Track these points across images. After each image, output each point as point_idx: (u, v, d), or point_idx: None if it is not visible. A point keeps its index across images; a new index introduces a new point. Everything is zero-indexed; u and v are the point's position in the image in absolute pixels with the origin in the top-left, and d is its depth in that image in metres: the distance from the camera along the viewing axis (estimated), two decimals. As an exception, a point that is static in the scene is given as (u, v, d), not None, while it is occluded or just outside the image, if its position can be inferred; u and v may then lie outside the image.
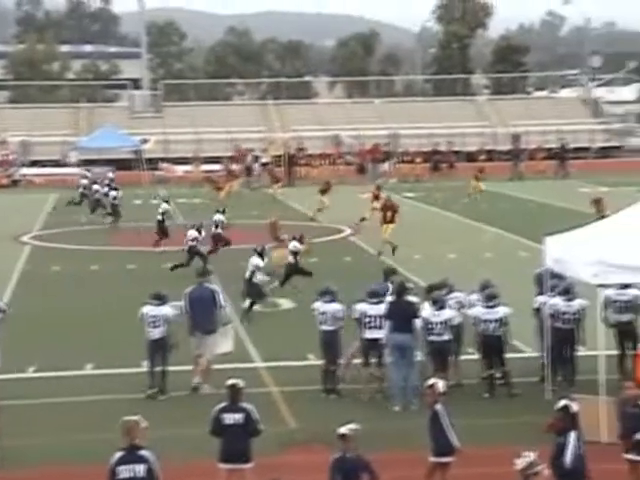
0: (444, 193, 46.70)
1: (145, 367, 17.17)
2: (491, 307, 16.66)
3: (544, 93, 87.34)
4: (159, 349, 16.98)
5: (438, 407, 12.10)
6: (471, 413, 15.19)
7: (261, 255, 22.89)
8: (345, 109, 69.78)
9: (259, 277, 22.47)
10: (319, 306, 17.18)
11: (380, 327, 16.60)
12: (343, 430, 10.75)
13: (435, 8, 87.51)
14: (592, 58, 78.81)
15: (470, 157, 61.58)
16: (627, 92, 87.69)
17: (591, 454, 11.26)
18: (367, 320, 16.70)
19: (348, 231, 35.12)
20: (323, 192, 38.26)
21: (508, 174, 53.86)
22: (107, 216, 38.06)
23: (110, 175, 45.17)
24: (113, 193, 38.54)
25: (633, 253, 14.57)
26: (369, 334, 16.70)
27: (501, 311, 16.67)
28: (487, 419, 15.36)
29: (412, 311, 16.36)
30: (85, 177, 44.67)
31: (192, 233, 27.88)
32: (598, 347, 14.81)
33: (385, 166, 56.31)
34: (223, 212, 30.19)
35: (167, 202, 32.93)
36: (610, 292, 16.57)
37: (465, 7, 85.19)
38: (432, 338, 16.34)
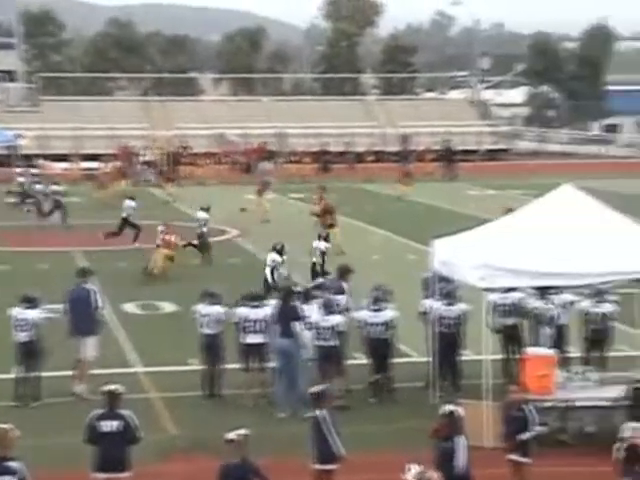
0: (333, 194, 46.89)
1: (15, 373, 16.85)
2: (377, 310, 16.83)
3: (433, 94, 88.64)
4: (29, 353, 16.73)
5: (319, 413, 12.11)
6: (357, 419, 15.31)
7: (280, 252, 22.91)
8: (231, 107, 69.59)
9: (281, 272, 22.52)
10: (201, 309, 17.14)
11: (260, 331, 16.65)
12: (232, 435, 10.70)
13: (323, 5, 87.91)
14: (481, 60, 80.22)
15: (359, 158, 62.04)
16: (515, 95, 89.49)
17: (475, 459, 11.46)
18: (247, 324, 16.72)
19: (234, 232, 35.01)
20: (260, 193, 38.15)
21: (397, 175, 54.38)
22: (47, 215, 37.17)
23: (34, 171, 44.35)
24: (55, 188, 37.94)
25: (519, 256, 14.87)
26: (249, 339, 16.73)
27: (387, 314, 16.84)
28: (373, 425, 15.50)
29: (294, 315, 16.40)
30: (22, 175, 43.69)
31: (201, 214, 28.12)
32: (483, 352, 15.06)
33: (267, 165, 56.25)
34: (207, 210, 30.02)
35: (132, 199, 32.62)
36: (494, 296, 16.86)
37: (354, 5, 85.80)
38: (320, 343, 16.41)
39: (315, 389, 12.50)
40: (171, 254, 27.19)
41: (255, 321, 16.69)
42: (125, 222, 31.90)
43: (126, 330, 21.33)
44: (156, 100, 69.89)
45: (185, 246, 28.64)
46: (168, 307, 23.68)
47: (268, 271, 22.89)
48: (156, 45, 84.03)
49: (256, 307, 16.81)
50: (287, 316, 16.39)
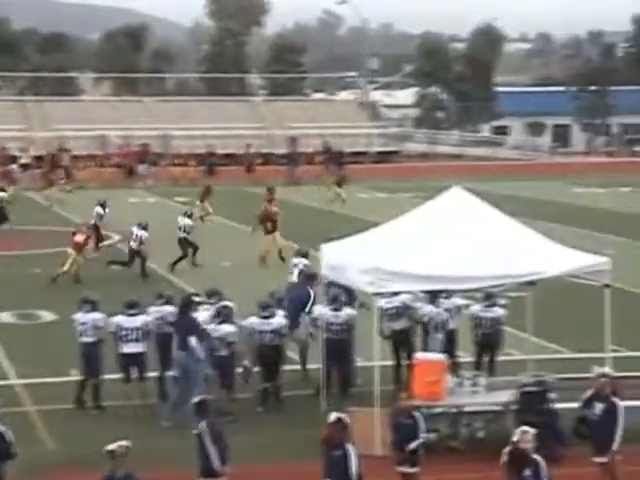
0: (219, 198, 46.72)
1: None
2: (266, 317, 16.78)
3: (322, 95, 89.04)
4: None
5: (201, 425, 12.03)
6: (245, 428, 15.25)
7: (306, 256, 22.65)
8: (112, 107, 68.86)
9: None
10: (80, 317, 16.92)
11: (137, 340, 16.54)
12: (112, 447, 10.60)
13: (207, 3, 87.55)
14: (369, 60, 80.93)
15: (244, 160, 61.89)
16: (404, 96, 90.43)
17: (366, 467, 11.52)
18: (123, 333, 16.58)
19: (116, 237, 34.59)
20: (203, 198, 37.66)
21: (285, 178, 54.49)
22: None
23: None
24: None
25: (409, 260, 14.98)
26: (126, 348, 16.60)
27: (277, 322, 16.81)
28: (262, 434, 15.45)
29: (190, 328, 16.27)
30: None
31: (141, 233, 27.77)
32: (374, 358, 15.15)
33: (148, 168, 55.79)
34: (190, 216, 29.90)
35: (103, 205, 32.11)
36: (382, 301, 16.92)
37: (239, 3, 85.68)
38: (214, 353, 16.32)
39: (196, 400, 12.43)
40: (75, 256, 26.89)
41: (132, 330, 16.55)
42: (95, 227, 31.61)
43: (1, 340, 20.89)
44: (33, 100, 68.70)
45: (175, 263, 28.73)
46: (48, 316, 23.29)
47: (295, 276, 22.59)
48: (33, 43, 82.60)
49: (133, 315, 16.67)
50: (184, 328, 16.28)
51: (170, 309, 17.08)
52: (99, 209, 31.97)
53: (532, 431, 11.02)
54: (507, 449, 11.01)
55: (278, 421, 16.11)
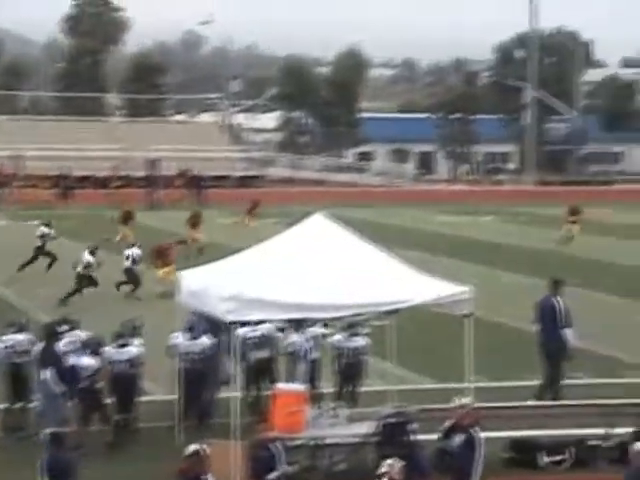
0: (73, 221, 46.10)
1: None
2: (121, 346, 16.63)
3: (183, 117, 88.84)
4: None
5: (42, 460, 11.84)
6: (99, 461, 15.04)
7: None
8: (-39, 125, 67.47)
9: None
10: None
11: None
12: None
13: (63, 19, 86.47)
14: (232, 82, 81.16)
15: (101, 183, 61.36)
16: (268, 119, 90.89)
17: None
18: None
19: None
20: (125, 221, 36.60)
21: (143, 202, 54.07)
22: None
23: None
24: None
25: (269, 288, 15.03)
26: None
27: (132, 351, 16.68)
28: (115, 467, 15.27)
29: (49, 359, 16.03)
30: None
31: (86, 257, 27.68)
32: (232, 388, 15.13)
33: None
34: (140, 246, 29.68)
35: (47, 225, 32.00)
36: (244, 329, 16.92)
37: (96, 20, 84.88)
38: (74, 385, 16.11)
39: (47, 432, 12.26)
40: None
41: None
42: (39, 250, 31.43)
43: None
44: None
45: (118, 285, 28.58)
46: None
47: None
48: None
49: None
50: (44, 359, 16.06)
51: (21, 337, 16.80)
52: (43, 229, 32.03)
53: (400, 462, 11.15)
54: (381, 480, 11.10)
55: (133, 454, 15.95)
